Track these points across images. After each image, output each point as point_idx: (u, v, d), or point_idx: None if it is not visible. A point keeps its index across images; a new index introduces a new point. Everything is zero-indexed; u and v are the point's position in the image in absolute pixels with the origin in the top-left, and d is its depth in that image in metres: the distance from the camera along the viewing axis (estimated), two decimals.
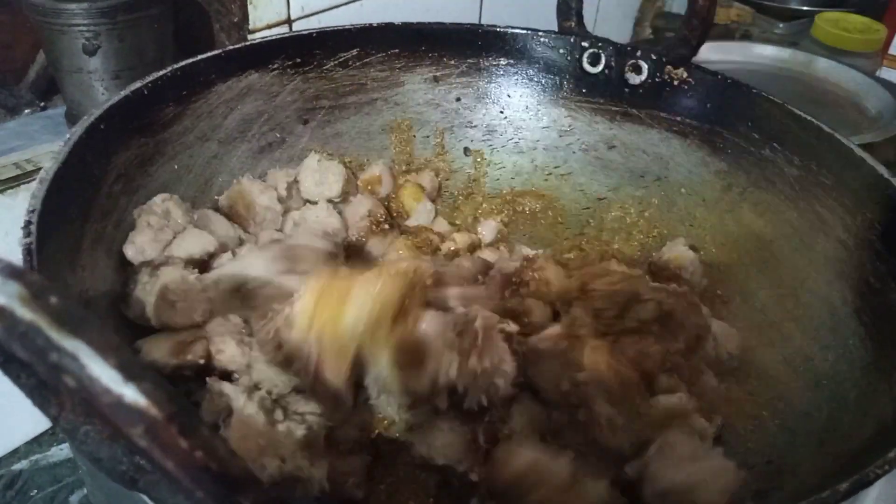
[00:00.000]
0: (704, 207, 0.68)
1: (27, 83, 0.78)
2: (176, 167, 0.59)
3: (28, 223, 0.41)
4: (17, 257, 0.39)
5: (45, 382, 0.22)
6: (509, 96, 0.77)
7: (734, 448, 0.49)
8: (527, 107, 0.77)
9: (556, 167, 0.76)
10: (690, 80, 0.69)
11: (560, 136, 0.76)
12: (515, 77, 0.76)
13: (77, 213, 0.47)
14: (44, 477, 0.70)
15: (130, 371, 0.21)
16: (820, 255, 0.57)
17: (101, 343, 0.21)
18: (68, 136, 0.49)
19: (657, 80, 0.71)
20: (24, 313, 0.20)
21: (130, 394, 0.21)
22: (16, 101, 0.77)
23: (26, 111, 0.78)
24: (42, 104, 0.79)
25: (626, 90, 0.73)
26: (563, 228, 0.74)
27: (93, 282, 0.45)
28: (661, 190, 0.71)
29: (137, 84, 0.57)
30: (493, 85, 0.76)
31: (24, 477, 0.70)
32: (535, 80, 0.76)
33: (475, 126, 0.77)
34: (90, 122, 0.51)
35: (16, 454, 0.72)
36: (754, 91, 0.66)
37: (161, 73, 0.58)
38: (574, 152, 0.76)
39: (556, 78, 0.75)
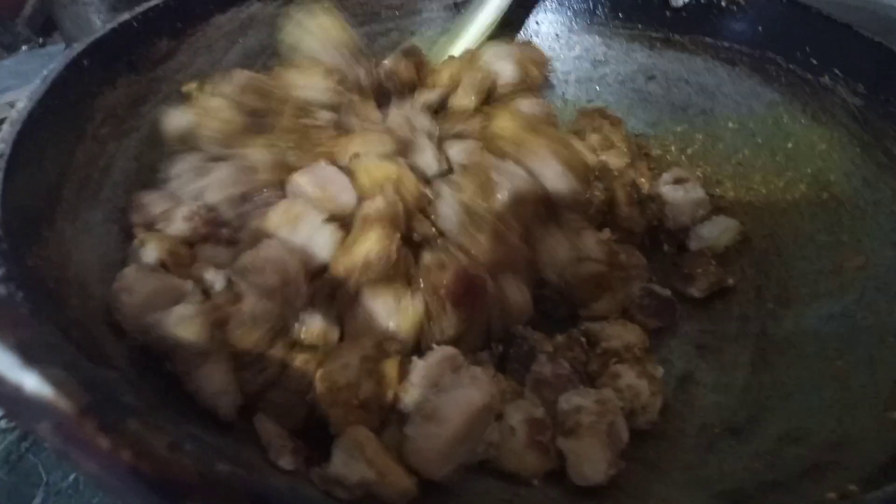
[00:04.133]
0: (754, 143, 0.61)
1: (24, 18, 0.73)
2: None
3: None
4: None
5: None
6: (537, 23, 0.70)
7: (780, 412, 0.44)
8: (557, 35, 0.70)
9: (588, 101, 0.70)
10: (740, 0, 0.62)
11: (594, 67, 0.69)
12: (544, 1, 0.69)
13: (57, 159, 0.43)
14: None
15: (33, 352, 0.17)
16: (887, 195, 0.51)
17: None
18: (45, 72, 0.45)
19: (703, 1, 0.63)
20: None
21: (32, 382, 0.16)
22: (12, 38, 0.73)
23: (24, 48, 0.73)
24: (41, 41, 0.75)
25: (668, 14, 0.65)
26: None
27: (74, 234, 0.41)
28: (705, 124, 0.64)
29: (126, 16, 0.52)
30: (520, 10, 0.69)
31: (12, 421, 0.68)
32: (566, 4, 0.69)
33: None
34: (71, 57, 0.46)
35: None
36: (814, 11, 0.58)
37: (152, 3, 0.53)
38: (609, 84, 0.69)
39: (590, 1, 0.68)
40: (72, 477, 0.61)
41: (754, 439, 0.42)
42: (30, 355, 0.16)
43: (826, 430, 0.40)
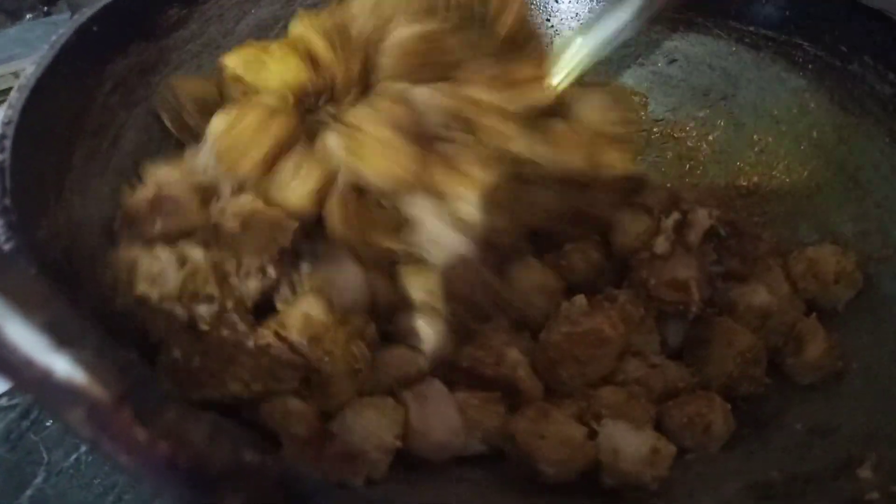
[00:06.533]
0: (777, 131, 0.60)
1: None
2: None
3: (2, 137, 0.35)
4: None
5: None
6: (557, 2, 0.68)
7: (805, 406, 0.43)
8: (577, 14, 0.68)
9: (608, 83, 0.68)
10: None
11: (613, 49, 0.68)
12: None
13: (65, 128, 0.42)
14: None
15: (64, 333, 0.15)
16: None
17: (23, 294, 0.15)
18: (54, 38, 0.43)
19: None
20: None
21: (63, 366, 0.15)
22: (17, 5, 0.71)
23: (28, 16, 0.71)
24: (45, 9, 0.73)
25: None
26: None
27: (83, 206, 0.40)
28: (727, 110, 0.63)
29: None
30: None
31: (39, 406, 0.67)
32: None
33: None
34: (81, 22, 0.45)
35: None
36: None
37: None
38: (628, 67, 0.67)
39: None
40: (73, 456, 0.60)
41: (780, 432, 0.41)
42: (60, 335, 0.15)
43: (856, 423, 0.39)
